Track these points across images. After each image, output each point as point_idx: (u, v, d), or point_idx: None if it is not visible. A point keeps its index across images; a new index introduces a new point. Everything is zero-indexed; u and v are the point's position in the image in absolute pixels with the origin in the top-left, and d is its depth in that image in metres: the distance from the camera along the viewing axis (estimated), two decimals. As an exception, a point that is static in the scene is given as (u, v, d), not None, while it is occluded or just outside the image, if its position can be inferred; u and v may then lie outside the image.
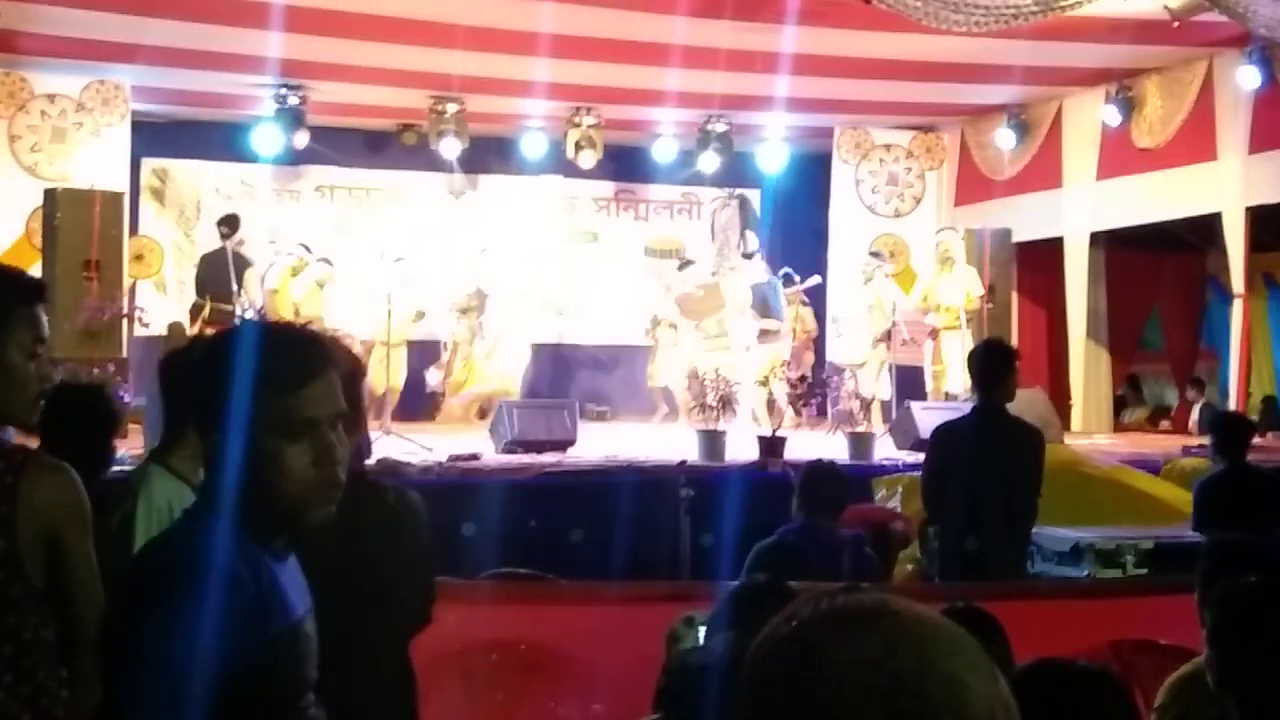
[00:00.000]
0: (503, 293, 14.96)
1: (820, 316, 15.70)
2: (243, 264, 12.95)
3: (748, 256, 16.28)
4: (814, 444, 11.11)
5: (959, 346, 12.76)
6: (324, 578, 2.34)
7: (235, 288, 12.57)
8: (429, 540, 3.56)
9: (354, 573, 3.08)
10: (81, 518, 2.76)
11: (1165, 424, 15.74)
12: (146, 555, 2.21)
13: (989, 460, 6.49)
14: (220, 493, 2.11)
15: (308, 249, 13.79)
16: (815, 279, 15.19)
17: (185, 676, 1.96)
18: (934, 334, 13.94)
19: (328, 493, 2.17)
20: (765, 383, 13.70)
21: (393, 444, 10.60)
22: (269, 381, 2.10)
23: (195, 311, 12.97)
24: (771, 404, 13.54)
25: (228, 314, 12.28)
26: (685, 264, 15.66)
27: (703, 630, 3.24)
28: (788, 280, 14.97)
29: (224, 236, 13.05)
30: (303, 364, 2.16)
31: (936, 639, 1.10)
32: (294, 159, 15.30)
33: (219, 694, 1.97)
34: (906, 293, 14.71)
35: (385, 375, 13.02)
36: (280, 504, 2.13)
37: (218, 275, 12.82)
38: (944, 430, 6.86)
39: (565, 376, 16.24)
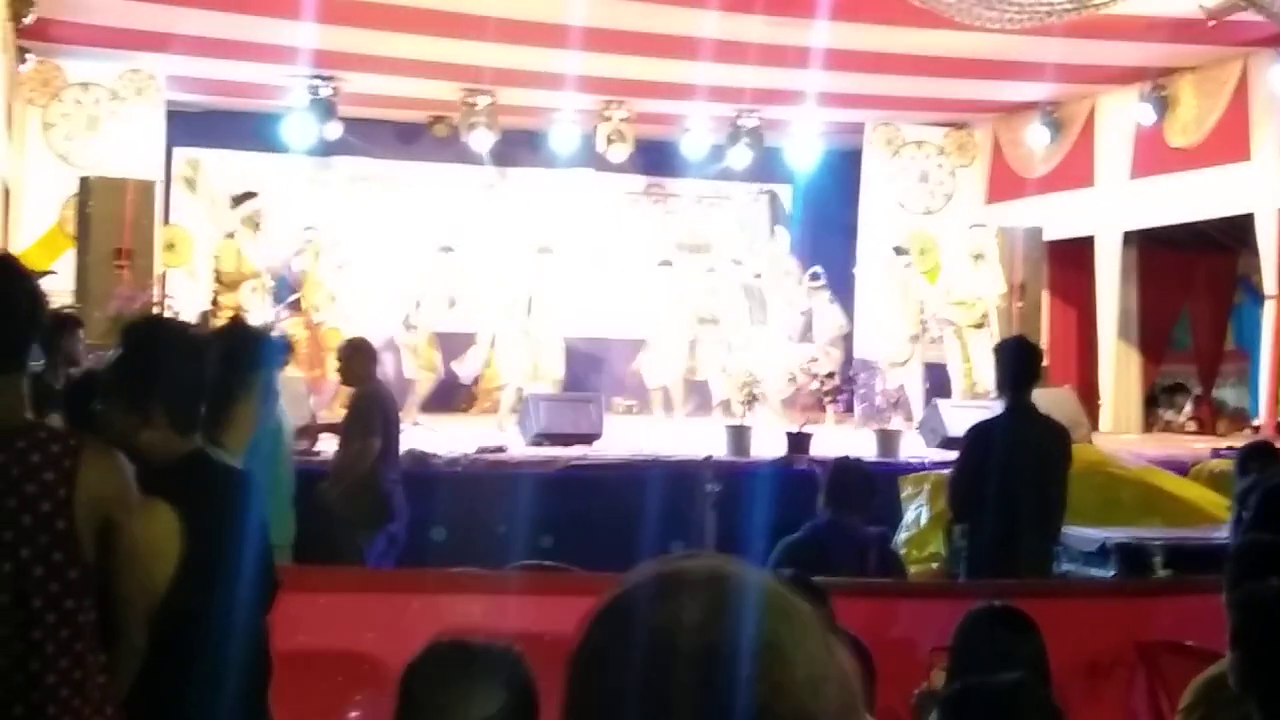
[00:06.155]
0: (543, 288, 14.92)
1: (849, 313, 15.64)
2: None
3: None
4: (841, 440, 11.09)
5: (987, 345, 12.74)
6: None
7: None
8: (259, 524, 3.37)
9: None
10: (131, 501, 2.81)
11: (1191, 425, 15.62)
12: None
13: (1023, 459, 6.48)
14: None
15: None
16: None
17: None
18: (957, 331, 13.92)
19: None
20: (793, 379, 13.71)
21: (420, 436, 10.63)
22: None
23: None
24: (797, 400, 13.56)
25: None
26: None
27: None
28: (814, 278, 15.03)
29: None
30: None
31: (764, 607, 1.08)
32: (326, 150, 15.33)
33: None
34: (931, 287, 14.70)
35: (414, 366, 13.16)
36: None
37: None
38: (979, 430, 6.84)
39: (592, 370, 16.24)
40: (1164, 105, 13.67)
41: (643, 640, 1.08)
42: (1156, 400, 15.76)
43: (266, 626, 3.38)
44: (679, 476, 9.61)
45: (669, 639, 1.06)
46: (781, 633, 1.07)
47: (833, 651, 1.10)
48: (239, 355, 3.70)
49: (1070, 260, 14.94)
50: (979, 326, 13.75)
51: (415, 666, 2.41)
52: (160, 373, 3.18)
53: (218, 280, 13.33)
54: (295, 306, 13.65)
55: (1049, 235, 14.48)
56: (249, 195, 13.71)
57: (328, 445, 8.56)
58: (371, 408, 8.01)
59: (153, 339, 3.39)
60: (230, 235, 13.61)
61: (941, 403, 12.03)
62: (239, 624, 3.13)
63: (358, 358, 8.21)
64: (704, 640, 1.06)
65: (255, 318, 12.13)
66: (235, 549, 3.14)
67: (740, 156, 16.08)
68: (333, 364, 11.34)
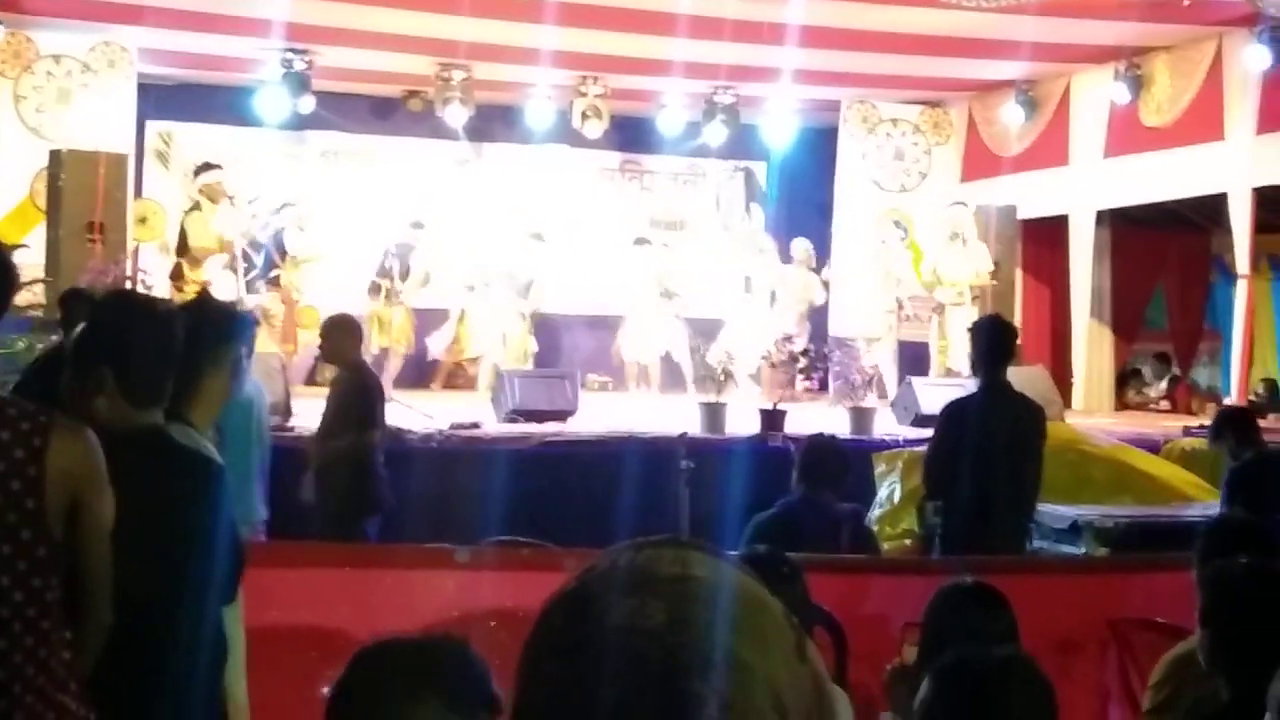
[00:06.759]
0: (522, 266, 14.88)
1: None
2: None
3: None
4: (815, 418, 11.11)
5: (964, 323, 12.76)
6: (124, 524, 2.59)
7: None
8: (221, 509, 3.25)
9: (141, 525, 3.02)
10: (100, 478, 2.80)
11: (1164, 403, 15.73)
12: None
13: (997, 437, 6.51)
14: None
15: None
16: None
17: None
18: (939, 309, 13.94)
19: None
20: (767, 356, 13.73)
21: (394, 411, 10.59)
22: None
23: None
24: (772, 376, 13.58)
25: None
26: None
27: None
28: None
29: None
30: None
31: (728, 614, 1.02)
32: (299, 124, 15.25)
33: None
34: (912, 267, 14.71)
35: (387, 339, 13.13)
36: None
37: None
38: (954, 407, 6.86)
39: (567, 346, 16.24)
40: (1138, 84, 13.69)
41: (598, 637, 1.02)
42: (1127, 379, 15.84)
43: (222, 612, 3.31)
44: (653, 453, 9.60)
45: (627, 640, 1.00)
46: (743, 643, 1.01)
47: (804, 656, 1.05)
48: (206, 329, 3.65)
49: (1044, 239, 14.98)
50: (957, 305, 13.78)
51: (343, 685, 1.98)
52: (111, 341, 3.15)
53: (182, 253, 13.24)
54: (274, 282, 13.60)
55: (1023, 214, 14.51)
56: (209, 167, 13.63)
57: (309, 422, 8.47)
58: (368, 395, 7.83)
59: (107, 308, 3.37)
60: (195, 207, 13.54)
61: (916, 380, 12.05)
62: (187, 606, 3.08)
63: (341, 334, 8.07)
64: (663, 647, 1.00)
65: (221, 292, 12.07)
66: (187, 532, 3.10)
67: (716, 133, 16.05)
68: (305, 339, 11.28)
